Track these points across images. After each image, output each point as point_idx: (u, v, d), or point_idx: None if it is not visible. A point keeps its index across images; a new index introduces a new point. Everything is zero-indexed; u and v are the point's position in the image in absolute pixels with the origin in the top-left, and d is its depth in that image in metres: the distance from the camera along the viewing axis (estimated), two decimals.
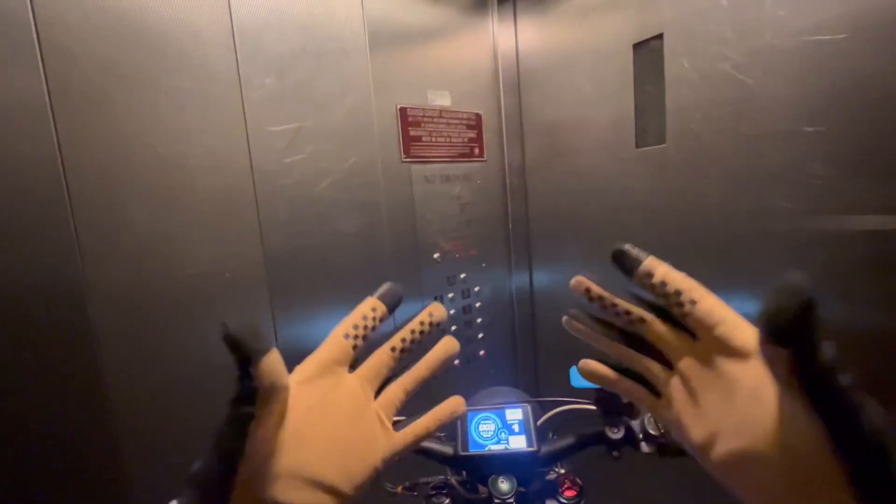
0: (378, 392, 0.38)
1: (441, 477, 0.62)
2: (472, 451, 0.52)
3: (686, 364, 0.31)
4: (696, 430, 0.29)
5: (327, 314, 0.93)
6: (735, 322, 0.29)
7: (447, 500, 0.60)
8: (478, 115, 1.10)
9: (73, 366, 0.70)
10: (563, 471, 0.59)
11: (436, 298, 1.08)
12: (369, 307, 0.39)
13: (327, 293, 0.92)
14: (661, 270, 0.32)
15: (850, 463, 0.21)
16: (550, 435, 0.58)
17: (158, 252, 0.76)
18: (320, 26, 0.88)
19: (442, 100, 1.04)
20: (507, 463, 0.51)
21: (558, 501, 0.54)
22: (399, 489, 0.63)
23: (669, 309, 0.32)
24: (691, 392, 0.30)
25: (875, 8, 0.61)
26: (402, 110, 0.98)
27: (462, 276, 1.13)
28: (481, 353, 1.18)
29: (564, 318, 0.37)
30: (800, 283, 0.21)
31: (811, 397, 0.22)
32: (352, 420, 0.34)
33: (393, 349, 0.39)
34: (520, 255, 1.20)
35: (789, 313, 0.21)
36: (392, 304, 0.40)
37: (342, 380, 0.36)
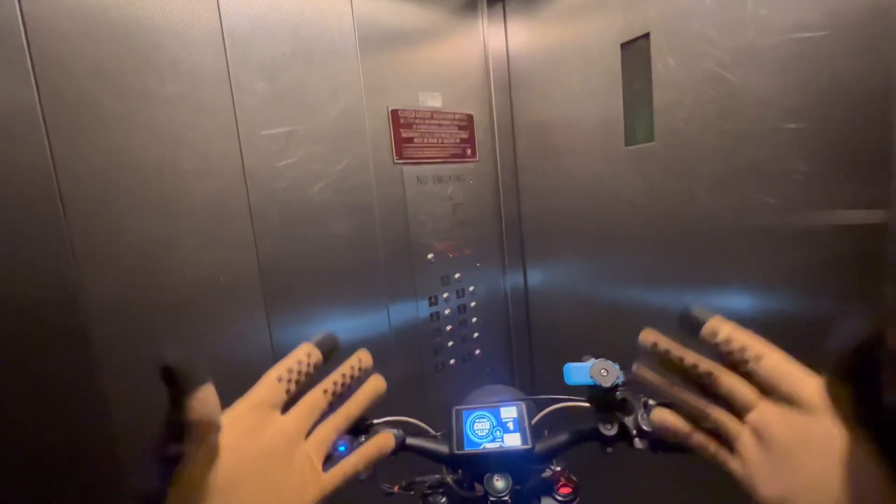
0: (309, 432, 0.37)
1: (437, 476, 0.62)
2: (468, 449, 0.52)
3: (757, 418, 0.31)
4: (768, 487, 0.28)
5: (323, 318, 0.93)
6: (800, 376, 0.29)
7: (443, 499, 0.60)
8: (469, 116, 1.11)
9: (68, 372, 0.70)
10: (558, 468, 0.60)
11: (430, 299, 1.09)
12: (305, 353, 0.39)
13: (322, 296, 0.93)
14: (725, 329, 0.33)
15: None
16: (545, 432, 0.59)
17: (153, 258, 0.76)
18: (310, 29, 0.88)
19: (433, 101, 1.05)
20: (502, 461, 0.52)
21: (553, 499, 0.55)
22: (396, 489, 0.64)
23: (736, 367, 0.33)
24: (763, 447, 0.30)
25: (854, 6, 0.62)
26: (394, 112, 0.99)
27: (456, 276, 1.13)
28: (476, 352, 1.19)
29: (635, 365, 0.38)
30: (861, 323, 0.21)
31: (877, 443, 0.21)
32: (283, 463, 0.33)
33: (325, 391, 0.39)
34: (513, 254, 1.21)
35: (849, 349, 0.21)
36: (328, 352, 0.41)
37: (274, 422, 0.35)
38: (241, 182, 0.82)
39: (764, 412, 0.30)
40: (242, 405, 0.35)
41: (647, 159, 0.89)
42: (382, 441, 0.41)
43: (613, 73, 0.93)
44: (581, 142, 1.03)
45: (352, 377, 0.42)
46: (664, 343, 0.36)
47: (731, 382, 0.32)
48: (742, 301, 0.79)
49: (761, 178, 0.74)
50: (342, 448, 0.58)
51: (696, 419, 0.35)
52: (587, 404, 0.53)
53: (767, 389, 0.31)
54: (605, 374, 0.48)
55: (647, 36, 0.86)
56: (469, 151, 1.12)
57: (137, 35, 0.72)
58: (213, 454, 0.29)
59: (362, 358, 0.43)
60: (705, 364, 0.34)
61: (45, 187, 0.68)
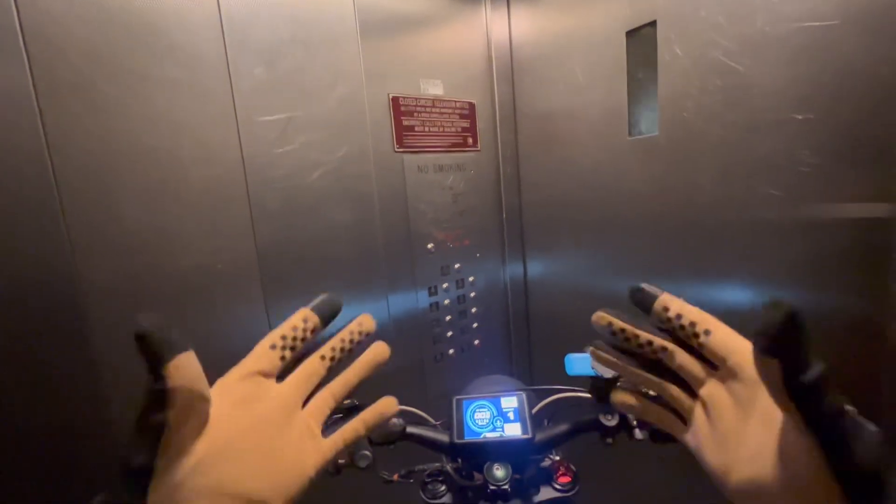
0: (307, 400, 0.37)
1: (436, 464, 0.63)
2: (468, 438, 0.52)
3: (707, 392, 0.32)
4: (714, 457, 0.30)
5: None
6: (747, 350, 0.29)
7: (443, 488, 0.61)
8: (471, 105, 1.10)
9: (67, 358, 0.70)
10: (557, 458, 0.60)
11: (430, 288, 1.08)
12: (301, 318, 0.38)
13: (321, 285, 0.92)
14: (675, 304, 0.34)
15: (843, 483, 0.22)
16: (545, 422, 0.59)
17: (150, 245, 0.75)
18: (310, 14, 0.86)
19: (435, 89, 1.04)
20: (503, 450, 0.52)
21: (553, 488, 0.55)
22: (395, 477, 0.64)
23: (687, 340, 0.34)
24: (711, 419, 0.31)
25: None
26: (395, 99, 0.97)
27: (456, 266, 1.13)
28: (476, 342, 1.19)
29: (590, 348, 0.39)
30: (786, 301, 0.23)
31: (804, 414, 0.23)
32: (280, 430, 0.33)
33: (322, 357, 0.38)
34: (513, 244, 1.20)
35: (776, 324, 0.23)
36: (327, 316, 0.40)
37: (269, 390, 0.35)
38: (239, 169, 0.81)
39: (712, 387, 0.32)
40: (234, 374, 0.35)
41: (651, 150, 0.88)
42: (384, 405, 0.40)
43: (618, 62, 0.91)
44: (584, 132, 1.01)
45: (352, 342, 0.40)
46: (619, 323, 0.37)
47: (683, 359, 0.34)
48: (745, 295, 0.79)
49: (768, 169, 0.73)
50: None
51: (653, 396, 0.37)
52: (588, 395, 0.53)
53: (717, 363, 0.32)
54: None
55: (653, 24, 0.84)
56: (470, 140, 1.11)
57: (134, 18, 0.71)
58: (201, 423, 0.28)
59: (363, 322, 0.42)
60: (658, 341, 0.35)
61: (40, 172, 0.67)
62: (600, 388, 0.49)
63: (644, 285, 0.37)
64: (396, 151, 0.99)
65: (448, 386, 1.13)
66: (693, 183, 0.83)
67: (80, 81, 0.68)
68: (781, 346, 0.23)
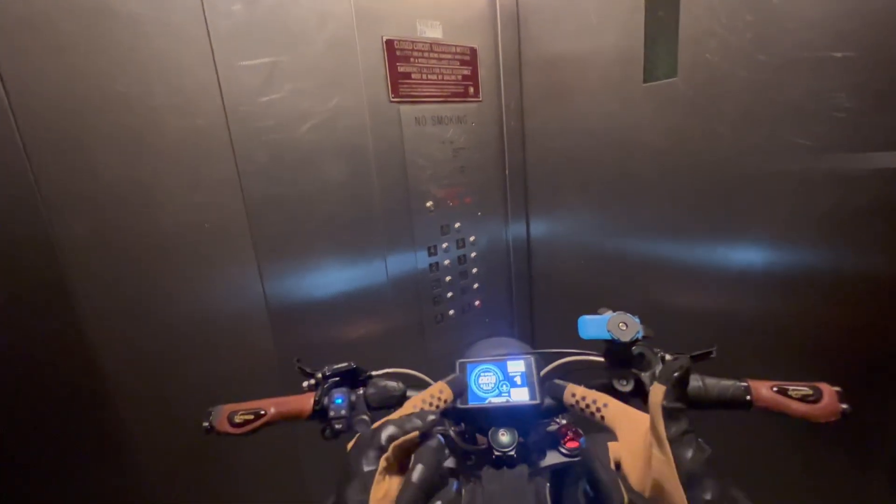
0: None
1: (440, 428, 0.61)
2: (472, 404, 0.50)
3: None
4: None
5: (317, 267, 0.88)
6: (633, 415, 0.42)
7: (444, 451, 0.59)
8: (473, 50, 1.01)
9: (50, 318, 0.67)
10: (563, 422, 0.58)
11: (429, 249, 1.04)
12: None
13: (316, 245, 0.88)
14: (578, 391, 0.46)
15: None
16: (554, 381, 0.56)
17: (128, 200, 0.70)
18: None
19: (433, 31, 0.95)
20: (509, 416, 0.49)
21: (559, 452, 0.53)
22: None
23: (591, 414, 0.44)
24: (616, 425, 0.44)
25: None
26: (389, 43, 0.89)
27: (456, 225, 1.08)
28: (476, 303, 1.16)
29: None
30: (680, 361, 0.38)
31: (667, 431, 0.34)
32: None
33: None
34: (516, 202, 1.15)
35: (669, 372, 0.36)
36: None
37: None
38: (221, 119, 0.74)
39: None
40: None
41: (668, 97, 0.82)
42: None
43: None
44: (595, 79, 0.94)
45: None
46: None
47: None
48: (760, 254, 0.75)
49: (796, 116, 0.67)
50: (338, 401, 0.56)
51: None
52: (600, 359, 0.50)
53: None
54: (625, 328, 0.44)
55: None
56: (471, 90, 1.03)
57: None
58: None
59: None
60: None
61: (1, 121, 0.60)
62: (616, 352, 0.46)
63: (556, 381, 0.49)
64: (392, 101, 0.92)
65: (448, 347, 1.11)
66: (712, 132, 0.77)
67: (33, 15, 0.61)
68: (667, 380, 0.36)
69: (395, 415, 0.41)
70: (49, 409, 0.69)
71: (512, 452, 0.48)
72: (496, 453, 0.48)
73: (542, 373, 0.53)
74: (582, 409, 0.44)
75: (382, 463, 0.36)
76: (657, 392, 0.36)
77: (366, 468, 0.35)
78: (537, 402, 0.48)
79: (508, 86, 1.07)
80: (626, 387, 0.45)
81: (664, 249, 0.90)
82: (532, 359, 0.52)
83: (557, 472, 0.56)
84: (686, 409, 0.35)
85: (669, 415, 0.34)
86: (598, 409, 0.43)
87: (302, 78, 0.81)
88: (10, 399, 0.66)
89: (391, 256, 0.98)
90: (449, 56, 0.98)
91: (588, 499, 0.38)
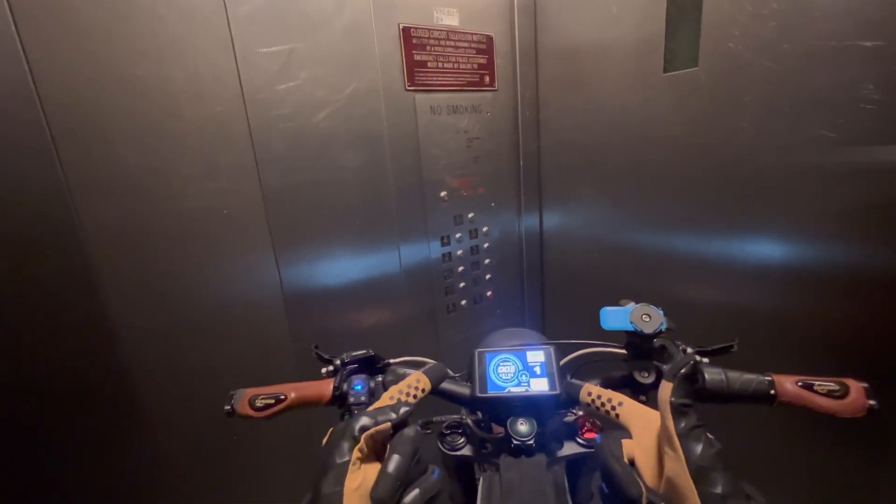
0: None
1: (456, 416, 0.61)
2: (491, 392, 0.50)
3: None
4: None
5: (331, 255, 0.89)
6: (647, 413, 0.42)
7: (461, 440, 0.59)
8: (489, 38, 1.00)
9: (75, 300, 0.68)
10: (580, 413, 0.58)
11: (442, 239, 1.04)
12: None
13: (331, 234, 0.88)
14: (594, 390, 0.45)
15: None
16: (568, 377, 0.57)
17: (149, 187, 0.70)
18: None
19: (449, 19, 0.94)
20: (528, 406, 0.49)
21: (577, 443, 0.53)
22: None
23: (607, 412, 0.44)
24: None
25: None
26: (406, 30, 0.88)
27: (470, 215, 1.08)
28: (488, 294, 1.16)
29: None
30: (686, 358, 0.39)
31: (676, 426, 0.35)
32: None
33: None
34: (530, 194, 1.15)
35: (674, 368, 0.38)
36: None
37: None
38: (239, 106, 0.74)
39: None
40: None
41: (688, 88, 0.80)
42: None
43: None
44: (612, 69, 0.93)
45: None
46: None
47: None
48: (778, 249, 0.74)
49: (822, 107, 0.66)
50: (358, 387, 0.56)
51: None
52: (621, 350, 0.50)
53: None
54: (648, 319, 0.44)
55: None
56: (487, 79, 1.02)
57: None
58: None
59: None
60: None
61: (27, 106, 0.61)
62: (638, 343, 0.46)
63: (571, 380, 0.48)
64: (408, 90, 0.91)
65: (460, 337, 1.12)
66: (732, 124, 0.76)
67: (56, 4, 0.61)
68: (675, 377, 0.37)
69: (372, 406, 0.41)
70: (71, 392, 0.70)
71: (531, 442, 0.48)
72: (515, 442, 0.48)
73: (562, 363, 0.53)
74: (597, 408, 0.44)
75: (355, 454, 0.36)
76: (665, 389, 0.36)
77: (339, 460, 0.35)
78: (557, 392, 0.48)
79: (524, 75, 1.06)
80: (648, 378, 0.45)
81: (679, 243, 0.89)
82: (552, 349, 0.52)
83: (574, 463, 0.56)
84: (693, 405, 0.36)
85: (678, 411, 0.35)
86: (614, 408, 0.43)
87: (318, 65, 0.80)
88: (35, 382, 0.67)
89: (405, 246, 0.98)
90: (465, 44, 0.97)
91: (604, 495, 0.38)
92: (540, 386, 0.49)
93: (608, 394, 0.44)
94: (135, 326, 0.73)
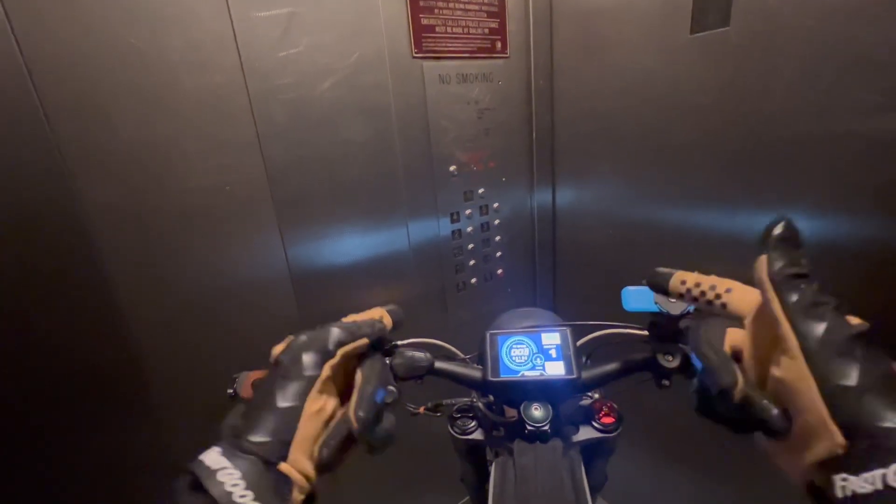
0: None
1: (466, 399, 0.59)
2: (504, 376, 0.48)
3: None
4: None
5: (339, 232, 0.86)
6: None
7: (472, 423, 0.58)
8: (500, 0, 0.94)
9: (79, 282, 0.66)
10: (596, 396, 0.56)
11: (452, 215, 1.01)
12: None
13: (337, 211, 0.85)
14: (690, 277, 0.37)
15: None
16: (584, 360, 0.54)
17: (148, 162, 0.68)
18: None
19: None
20: (543, 390, 0.47)
21: (594, 427, 0.51)
22: (421, 409, 0.61)
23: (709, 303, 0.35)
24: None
25: None
26: None
27: (480, 191, 1.04)
28: (499, 271, 1.13)
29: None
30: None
31: (786, 311, 0.27)
32: None
33: None
34: (543, 168, 1.10)
35: (767, 229, 0.29)
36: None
37: None
38: (238, 76, 0.71)
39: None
40: None
41: (718, 50, 0.74)
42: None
43: None
44: (634, 31, 0.86)
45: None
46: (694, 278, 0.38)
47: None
48: (818, 224, 0.69)
49: (867, 67, 0.60)
50: None
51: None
52: (643, 332, 0.47)
53: (742, 314, 0.33)
54: (674, 300, 0.41)
55: None
56: (499, 45, 0.96)
57: None
58: None
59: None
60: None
61: (15, 76, 0.58)
62: (662, 325, 0.43)
63: (658, 269, 0.39)
64: (415, 57, 0.86)
65: (470, 316, 1.10)
66: (765, 89, 0.70)
67: None
68: (767, 244, 0.28)
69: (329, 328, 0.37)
70: (77, 376, 0.69)
71: (546, 427, 0.46)
72: (529, 428, 0.46)
73: (578, 344, 0.51)
74: (696, 298, 0.35)
75: (326, 371, 0.31)
76: (761, 263, 0.28)
77: (304, 373, 0.31)
78: (574, 376, 0.46)
79: (538, 41, 1.00)
80: (673, 362, 0.42)
81: (701, 219, 0.85)
82: (568, 331, 0.49)
83: (590, 448, 0.54)
84: (808, 274, 0.28)
85: (785, 285, 0.27)
86: (719, 297, 0.34)
87: (321, 30, 0.76)
88: (38, 362, 0.67)
89: (413, 222, 0.95)
90: (475, 7, 0.91)
91: (698, 393, 0.32)
92: (555, 370, 0.47)
93: (711, 279, 0.35)
94: (140, 308, 0.71)
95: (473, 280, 1.09)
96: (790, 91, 0.68)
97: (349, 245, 0.88)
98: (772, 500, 0.84)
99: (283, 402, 0.29)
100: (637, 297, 0.43)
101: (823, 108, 0.65)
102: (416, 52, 0.86)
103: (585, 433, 0.51)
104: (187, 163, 0.70)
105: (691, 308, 0.41)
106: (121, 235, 0.68)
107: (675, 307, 0.41)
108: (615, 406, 0.52)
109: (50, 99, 0.60)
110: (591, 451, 0.55)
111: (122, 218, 0.67)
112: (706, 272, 0.37)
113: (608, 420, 0.51)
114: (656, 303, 0.42)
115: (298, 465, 0.28)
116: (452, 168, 0.98)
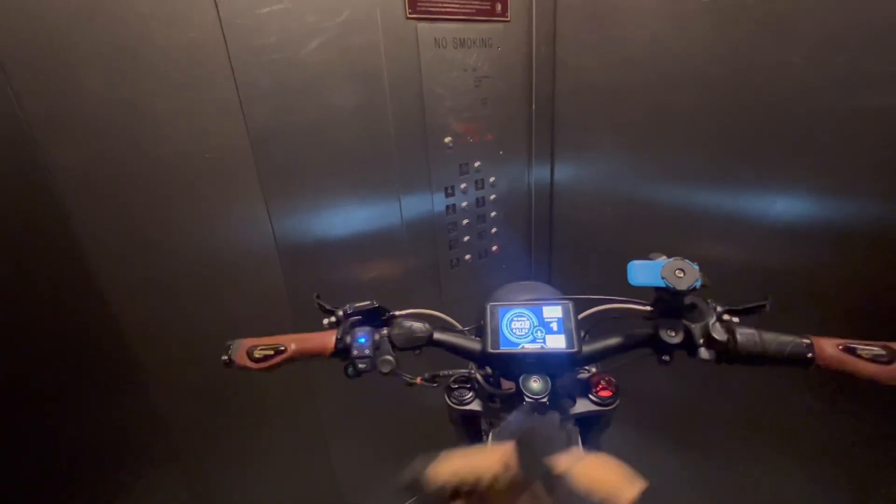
0: None
1: (463, 371, 0.58)
2: (504, 348, 0.46)
3: None
4: None
5: (328, 204, 0.83)
6: None
7: (469, 394, 0.56)
8: None
9: (52, 255, 0.63)
10: (593, 370, 0.54)
11: (446, 190, 0.97)
12: None
13: (325, 181, 0.81)
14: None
15: None
16: (583, 334, 0.52)
17: (118, 124, 0.63)
18: None
19: None
20: (543, 363, 0.45)
21: (591, 400, 0.50)
22: (418, 380, 0.59)
23: None
24: None
25: None
26: None
27: (476, 164, 1.00)
28: (494, 248, 1.11)
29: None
30: None
31: None
32: None
33: None
34: (542, 141, 1.06)
35: None
36: None
37: None
38: (216, 32, 0.66)
39: None
40: None
41: (731, 15, 0.70)
42: None
43: None
44: None
45: None
46: None
47: None
48: (832, 204, 0.66)
49: (893, 38, 0.57)
50: (362, 340, 0.52)
51: None
52: (645, 307, 0.45)
53: None
54: (682, 275, 0.39)
55: None
56: (499, 7, 0.91)
57: None
58: None
59: None
60: None
61: None
62: (668, 300, 0.41)
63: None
64: (409, 17, 0.81)
65: (463, 293, 1.07)
66: (782, 58, 0.67)
67: None
68: None
69: None
70: (59, 345, 0.66)
71: (545, 400, 0.44)
72: (527, 400, 0.44)
73: (580, 317, 0.49)
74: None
75: None
76: None
77: None
78: (575, 350, 0.44)
79: (541, 4, 0.94)
80: (675, 338, 0.40)
81: (706, 198, 0.82)
82: (570, 304, 0.47)
83: (585, 420, 0.53)
84: None
85: None
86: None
87: None
88: (20, 337, 0.63)
89: (406, 196, 0.92)
90: None
91: None
92: (556, 343, 0.45)
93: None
94: (118, 278, 0.68)
95: (468, 257, 1.07)
96: (807, 62, 0.65)
97: (338, 218, 0.85)
98: (766, 477, 0.85)
99: None
100: (643, 272, 0.41)
101: (844, 80, 0.62)
102: (410, 13, 0.81)
103: (582, 406, 0.50)
104: (163, 126, 0.66)
105: (698, 283, 0.39)
106: (93, 203, 0.64)
107: (682, 282, 0.39)
108: (613, 380, 0.51)
109: (10, 50, 0.55)
110: (588, 424, 0.54)
111: (93, 184, 0.63)
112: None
113: (605, 393, 0.49)
114: (663, 277, 0.39)
115: None
116: (447, 140, 0.94)
